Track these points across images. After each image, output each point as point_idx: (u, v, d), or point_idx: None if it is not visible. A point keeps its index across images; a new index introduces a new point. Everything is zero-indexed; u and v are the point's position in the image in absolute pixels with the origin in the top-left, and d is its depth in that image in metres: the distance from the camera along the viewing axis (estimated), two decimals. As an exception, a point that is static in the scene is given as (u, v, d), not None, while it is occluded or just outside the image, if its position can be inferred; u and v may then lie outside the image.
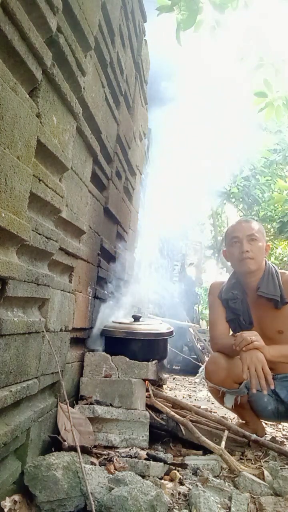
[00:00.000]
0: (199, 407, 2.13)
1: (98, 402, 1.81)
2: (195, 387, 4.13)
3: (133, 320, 2.24)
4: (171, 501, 1.26)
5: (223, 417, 2.16)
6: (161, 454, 1.63)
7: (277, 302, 1.97)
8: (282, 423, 2.50)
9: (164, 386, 2.48)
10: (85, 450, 1.48)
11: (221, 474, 1.57)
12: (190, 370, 5.25)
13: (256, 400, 2.09)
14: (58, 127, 1.41)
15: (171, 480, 1.46)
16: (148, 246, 4.81)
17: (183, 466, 1.60)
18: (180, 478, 1.46)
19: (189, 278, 11.15)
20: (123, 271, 2.84)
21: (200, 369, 2.18)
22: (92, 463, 1.42)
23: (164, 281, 7.39)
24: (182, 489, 1.38)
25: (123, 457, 1.55)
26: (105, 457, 1.52)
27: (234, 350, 1.86)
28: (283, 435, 2.36)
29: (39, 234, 1.32)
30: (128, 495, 1.12)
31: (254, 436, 1.83)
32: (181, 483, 1.43)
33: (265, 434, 2.17)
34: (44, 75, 1.26)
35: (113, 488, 1.20)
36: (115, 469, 1.42)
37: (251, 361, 1.75)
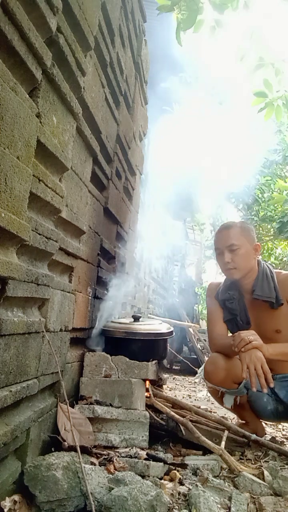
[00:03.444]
0: (199, 407, 2.13)
1: (98, 402, 1.81)
2: (195, 387, 4.13)
3: (133, 320, 2.25)
4: (171, 501, 1.26)
5: (223, 417, 2.16)
6: (161, 454, 1.63)
7: (273, 304, 1.97)
8: (281, 423, 2.50)
9: (164, 386, 2.48)
10: (85, 450, 1.48)
11: (221, 474, 1.57)
12: (190, 370, 5.25)
13: (255, 400, 2.09)
14: (58, 127, 1.41)
15: (171, 480, 1.46)
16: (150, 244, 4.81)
17: (183, 466, 1.60)
18: (180, 478, 1.46)
19: (189, 278, 11.14)
20: (123, 271, 2.84)
21: (200, 369, 2.18)
22: (92, 463, 1.42)
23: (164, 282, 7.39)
24: (182, 489, 1.38)
25: (123, 457, 1.55)
26: (105, 457, 1.52)
27: (233, 350, 1.86)
28: (283, 435, 2.36)
29: (39, 234, 1.32)
30: (128, 495, 1.12)
31: (254, 436, 1.83)
32: (181, 483, 1.43)
33: (265, 434, 2.17)
34: (44, 75, 1.26)
35: (113, 488, 1.20)
36: (115, 469, 1.42)
37: (250, 360, 1.75)
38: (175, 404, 2.04)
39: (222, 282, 2.20)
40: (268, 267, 2.08)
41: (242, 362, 1.77)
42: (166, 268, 8.35)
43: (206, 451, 1.73)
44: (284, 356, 1.85)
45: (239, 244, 2.00)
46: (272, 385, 1.75)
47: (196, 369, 4.82)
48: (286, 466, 1.65)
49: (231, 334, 2.07)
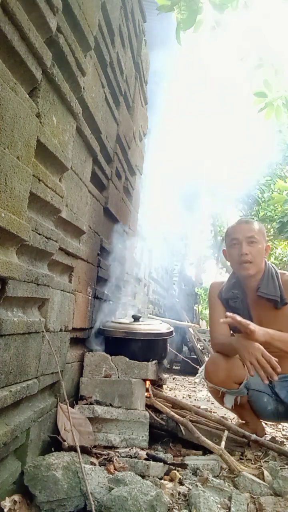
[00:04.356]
0: (199, 407, 2.13)
1: (98, 402, 1.81)
2: (195, 387, 4.13)
3: (133, 320, 2.24)
4: (171, 501, 1.26)
5: (223, 417, 2.16)
6: (161, 454, 1.63)
7: (277, 302, 1.97)
8: (282, 423, 2.50)
9: (164, 386, 2.48)
10: (85, 450, 1.48)
11: (221, 474, 1.57)
12: (190, 370, 5.25)
13: (255, 400, 2.09)
14: (58, 127, 1.41)
15: (171, 480, 1.46)
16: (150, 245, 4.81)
17: (183, 466, 1.60)
18: (180, 478, 1.46)
19: (189, 278, 11.14)
20: (123, 271, 2.84)
21: (200, 369, 2.18)
22: (92, 463, 1.42)
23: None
24: (182, 489, 1.38)
25: (123, 457, 1.55)
26: (105, 457, 1.52)
27: (234, 350, 1.86)
28: (283, 435, 2.36)
29: (39, 234, 1.32)
30: (128, 495, 1.12)
31: (254, 436, 1.83)
32: (181, 483, 1.43)
33: (265, 434, 2.17)
34: (44, 75, 1.26)
35: (113, 488, 1.20)
36: (115, 469, 1.42)
37: (250, 354, 1.74)
38: (175, 404, 2.04)
39: (225, 282, 2.19)
40: (273, 267, 2.09)
41: (244, 361, 1.77)
42: (166, 268, 8.35)
43: (206, 451, 1.73)
44: (282, 344, 1.83)
45: (258, 238, 2.00)
46: (279, 370, 1.71)
47: (198, 367, 4.83)
48: (286, 466, 1.65)
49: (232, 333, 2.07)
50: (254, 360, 1.72)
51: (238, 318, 1.77)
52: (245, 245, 1.99)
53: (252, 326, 1.75)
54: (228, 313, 1.80)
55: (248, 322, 1.78)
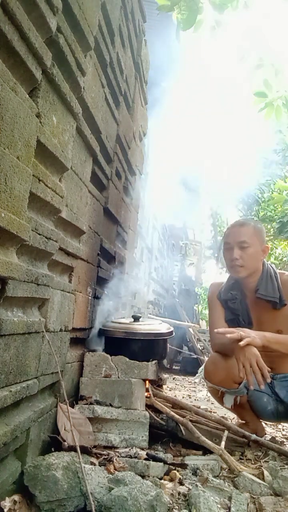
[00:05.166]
0: (199, 407, 2.13)
1: (98, 402, 1.81)
2: (195, 387, 4.13)
3: (133, 320, 2.24)
4: (171, 501, 1.26)
5: (223, 417, 2.16)
6: (161, 454, 1.63)
7: (276, 303, 1.97)
8: (282, 423, 2.50)
9: (164, 386, 2.48)
10: (85, 450, 1.48)
11: (221, 474, 1.57)
12: (190, 369, 5.25)
13: (255, 400, 2.09)
14: (58, 127, 1.41)
15: (171, 480, 1.46)
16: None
17: (183, 466, 1.60)
18: (180, 478, 1.46)
19: (189, 278, 11.15)
20: (123, 271, 2.84)
21: (200, 369, 2.18)
22: (92, 463, 1.42)
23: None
24: (182, 489, 1.38)
25: (123, 457, 1.55)
26: (105, 457, 1.52)
27: (233, 350, 1.86)
28: (283, 435, 2.36)
29: (39, 234, 1.32)
30: (128, 495, 1.12)
31: (254, 436, 1.83)
32: (181, 483, 1.43)
33: (265, 434, 2.17)
34: (44, 75, 1.26)
35: (113, 488, 1.20)
36: (115, 469, 1.42)
37: (245, 357, 1.74)
38: (175, 404, 2.04)
39: (224, 282, 2.19)
40: (272, 267, 2.09)
41: (237, 362, 1.77)
42: (166, 268, 8.35)
43: (206, 451, 1.73)
44: (281, 346, 1.84)
45: (250, 242, 2.00)
46: (269, 380, 1.74)
47: (201, 360, 4.83)
48: (286, 466, 1.65)
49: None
50: (247, 364, 1.73)
51: (229, 335, 1.77)
52: (236, 249, 2.00)
53: (245, 340, 1.75)
54: (220, 330, 1.82)
55: (242, 334, 1.77)
